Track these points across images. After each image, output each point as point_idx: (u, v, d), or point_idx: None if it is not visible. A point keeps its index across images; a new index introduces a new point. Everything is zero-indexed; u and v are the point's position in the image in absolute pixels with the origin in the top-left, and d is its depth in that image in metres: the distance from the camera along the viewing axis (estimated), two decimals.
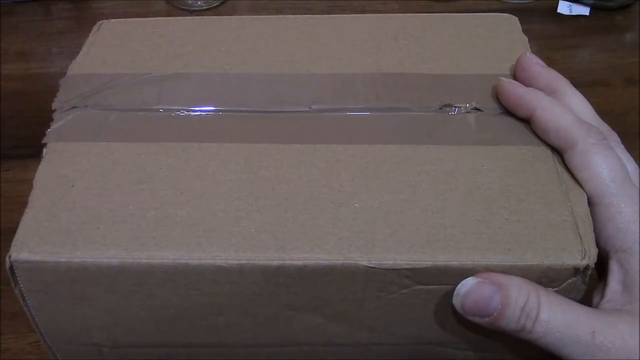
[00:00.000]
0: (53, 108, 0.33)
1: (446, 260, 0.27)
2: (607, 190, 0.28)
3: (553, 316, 0.26)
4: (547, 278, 0.27)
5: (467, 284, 0.27)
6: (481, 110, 0.33)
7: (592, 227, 0.28)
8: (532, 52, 0.37)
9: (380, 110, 0.33)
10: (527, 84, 0.33)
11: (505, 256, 0.27)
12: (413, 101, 0.33)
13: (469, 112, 0.33)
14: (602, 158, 0.29)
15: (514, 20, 0.39)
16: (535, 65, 0.34)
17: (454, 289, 0.27)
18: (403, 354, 0.31)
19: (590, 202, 0.29)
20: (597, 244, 0.28)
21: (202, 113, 0.33)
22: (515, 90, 0.32)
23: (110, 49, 0.37)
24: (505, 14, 0.40)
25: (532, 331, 0.26)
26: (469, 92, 0.34)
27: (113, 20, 0.40)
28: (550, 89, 0.33)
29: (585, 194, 0.29)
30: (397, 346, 0.31)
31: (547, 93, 0.32)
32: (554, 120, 0.30)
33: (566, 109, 0.31)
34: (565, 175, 0.30)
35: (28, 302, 0.28)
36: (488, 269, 0.27)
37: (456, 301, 0.27)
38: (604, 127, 0.32)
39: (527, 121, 0.32)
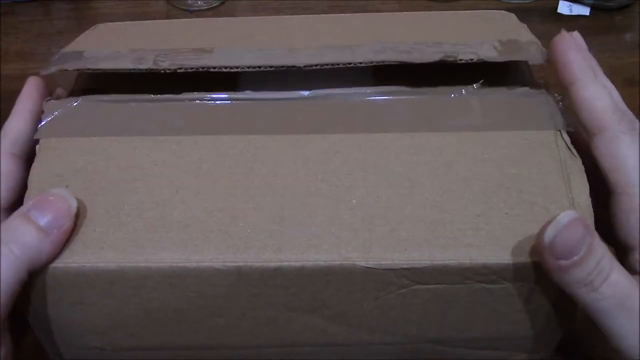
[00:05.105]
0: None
1: (444, 260, 0.27)
2: (633, 181, 0.28)
3: (621, 281, 0.25)
4: (546, 276, 0.27)
5: (568, 217, 0.26)
6: (483, 85, 0.32)
7: (593, 219, 0.28)
8: None
9: (379, 94, 0.32)
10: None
11: (505, 254, 0.27)
12: (413, 52, 0.32)
13: (472, 95, 0.32)
14: (631, 148, 0.28)
15: (512, 16, 0.39)
16: (575, 47, 0.32)
17: (452, 288, 0.27)
18: (403, 353, 0.31)
19: (613, 192, 0.28)
20: (617, 236, 0.27)
21: (196, 101, 0.32)
22: (567, 52, 0.31)
23: (104, 39, 0.36)
24: (503, 11, 0.39)
25: (598, 290, 0.25)
26: (469, 45, 0.32)
27: (109, 23, 0.39)
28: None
29: (587, 184, 0.28)
30: (396, 345, 0.30)
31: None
32: (589, 101, 0.29)
33: (605, 91, 0.30)
34: (569, 162, 0.29)
35: (26, 307, 0.28)
36: (486, 268, 0.27)
37: (550, 230, 0.26)
38: (630, 114, 0.30)
39: (539, 99, 0.31)
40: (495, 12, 0.39)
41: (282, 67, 0.31)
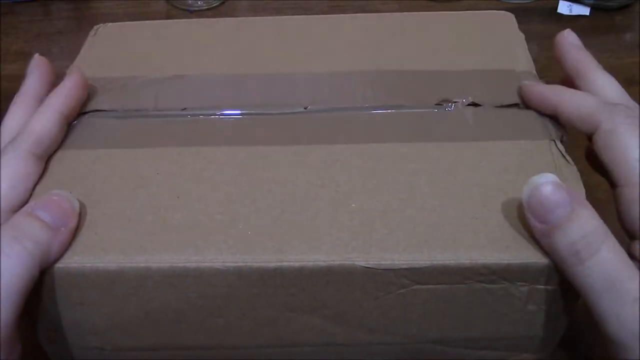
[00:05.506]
0: None
1: (443, 260, 0.27)
2: (633, 171, 0.27)
3: (612, 261, 0.25)
4: (545, 276, 0.27)
5: (545, 178, 0.26)
6: (479, 105, 0.33)
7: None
8: (532, 52, 0.37)
9: (377, 109, 0.33)
10: (558, 61, 0.33)
11: (503, 254, 0.27)
12: (410, 98, 0.33)
13: (466, 108, 0.33)
14: (627, 137, 0.28)
15: (510, 17, 0.39)
16: (567, 45, 0.33)
17: (452, 288, 0.27)
18: (403, 354, 0.31)
19: (615, 184, 0.28)
20: (623, 227, 0.27)
21: (200, 116, 0.33)
22: (535, 89, 0.32)
23: (107, 54, 0.37)
24: (502, 11, 0.40)
25: (585, 264, 0.25)
26: (466, 87, 0.34)
27: (110, 24, 0.40)
28: (575, 70, 0.32)
29: (583, 189, 0.29)
30: (396, 345, 0.30)
31: (572, 74, 0.32)
32: (575, 111, 0.30)
33: (587, 95, 0.30)
34: (564, 169, 0.30)
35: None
36: (486, 268, 0.27)
37: (527, 189, 0.26)
38: (632, 102, 0.31)
39: (531, 115, 0.32)
40: (495, 15, 0.39)
41: (283, 113, 0.33)
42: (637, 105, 0.31)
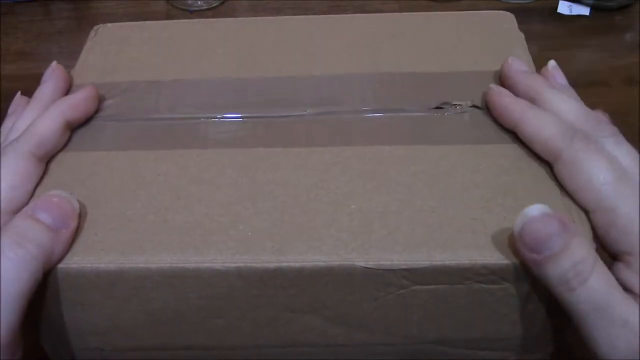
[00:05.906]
0: None
1: (443, 260, 0.27)
2: (600, 195, 0.28)
3: (600, 288, 0.25)
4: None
5: (537, 210, 0.25)
6: (479, 108, 0.33)
7: (590, 225, 0.28)
8: (532, 52, 0.37)
9: (376, 112, 0.33)
10: (511, 91, 0.32)
11: (504, 254, 0.27)
12: (411, 100, 0.33)
13: (464, 112, 0.33)
14: (589, 164, 0.28)
15: (510, 17, 0.39)
16: (515, 73, 0.33)
17: (452, 289, 0.27)
18: (403, 354, 0.31)
19: (587, 211, 0.28)
20: (604, 248, 0.27)
21: (200, 119, 0.33)
22: (500, 100, 0.32)
23: (108, 57, 0.37)
24: (502, 11, 0.40)
25: (575, 292, 0.25)
26: (466, 89, 0.34)
27: (110, 24, 0.40)
28: (529, 97, 0.32)
29: None
30: (396, 346, 0.30)
31: (529, 101, 0.31)
32: (536, 133, 0.30)
33: (550, 118, 0.30)
34: None
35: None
36: (485, 268, 0.27)
37: (519, 220, 0.26)
38: (592, 122, 0.30)
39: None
40: (494, 15, 0.39)
41: (283, 116, 0.33)
42: (598, 118, 0.31)
